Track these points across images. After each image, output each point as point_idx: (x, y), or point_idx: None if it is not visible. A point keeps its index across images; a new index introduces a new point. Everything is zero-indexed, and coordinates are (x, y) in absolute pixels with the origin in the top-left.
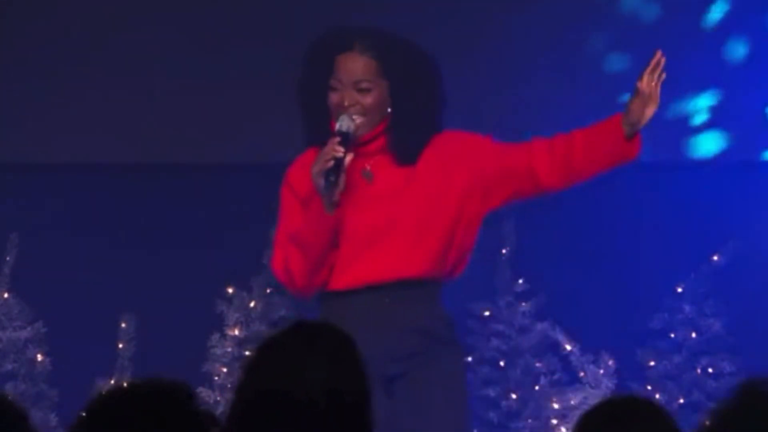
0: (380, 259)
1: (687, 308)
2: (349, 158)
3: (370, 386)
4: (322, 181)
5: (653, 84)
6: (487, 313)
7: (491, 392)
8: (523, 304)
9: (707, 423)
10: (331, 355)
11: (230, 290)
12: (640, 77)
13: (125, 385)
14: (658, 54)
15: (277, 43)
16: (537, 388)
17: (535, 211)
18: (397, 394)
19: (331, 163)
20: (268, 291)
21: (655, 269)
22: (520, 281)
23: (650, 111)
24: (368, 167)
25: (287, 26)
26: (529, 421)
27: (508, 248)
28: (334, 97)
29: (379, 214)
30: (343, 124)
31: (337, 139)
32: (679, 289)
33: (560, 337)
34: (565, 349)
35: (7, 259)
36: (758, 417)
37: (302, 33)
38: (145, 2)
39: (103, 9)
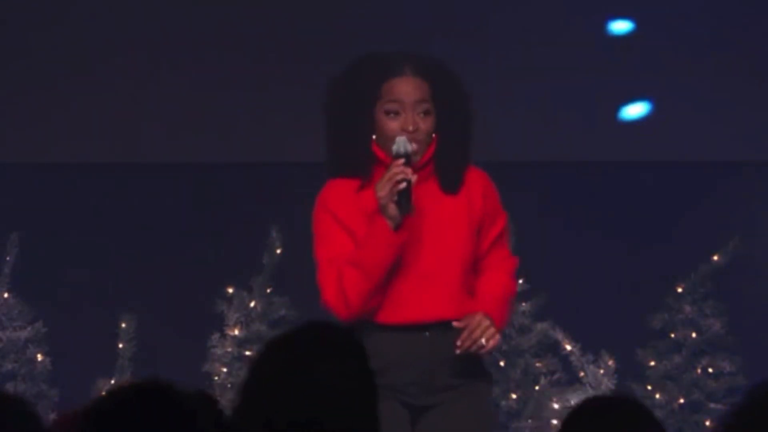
0: (429, 300)
1: (687, 308)
2: (415, 179)
3: (377, 390)
4: (392, 205)
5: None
6: None
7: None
8: (523, 304)
9: (719, 427)
10: (337, 356)
11: (230, 290)
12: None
13: (125, 384)
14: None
15: (277, 45)
16: (537, 388)
17: (535, 211)
18: (425, 423)
19: (404, 184)
20: (268, 291)
21: (655, 269)
22: (520, 281)
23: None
24: None
25: (289, 30)
26: (529, 421)
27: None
28: (393, 124)
29: (428, 252)
30: (400, 146)
31: (401, 160)
32: (679, 289)
33: (560, 337)
34: (565, 349)
35: (7, 259)
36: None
37: (305, 32)
38: (149, 3)
39: (103, 10)
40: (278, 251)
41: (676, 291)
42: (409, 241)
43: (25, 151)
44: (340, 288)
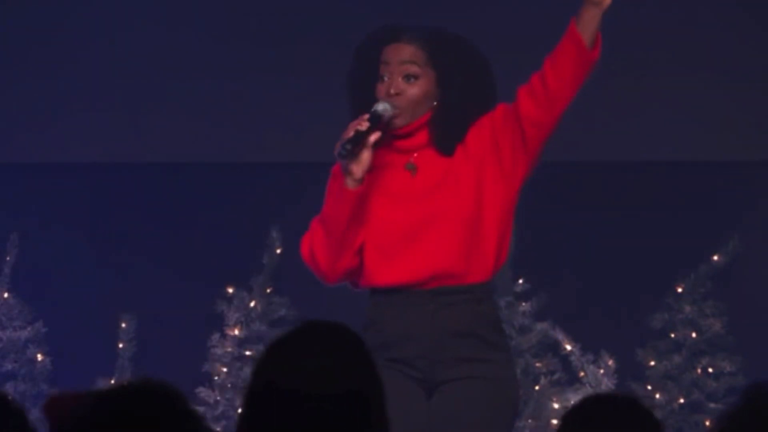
0: (421, 254)
1: (687, 308)
2: (374, 137)
3: (383, 389)
4: (338, 149)
5: None
6: None
7: None
8: (523, 304)
9: (714, 427)
10: (341, 357)
11: (230, 290)
12: None
13: (116, 386)
14: None
15: (276, 45)
16: (537, 388)
17: (535, 211)
18: (440, 399)
19: (351, 133)
20: (268, 291)
21: (655, 269)
22: (520, 281)
23: None
24: (412, 160)
25: (288, 29)
26: (529, 421)
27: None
28: (381, 88)
29: (421, 208)
30: (379, 105)
31: (367, 115)
32: (679, 289)
33: (560, 337)
34: (565, 349)
35: (7, 259)
36: (765, 421)
37: (308, 33)
38: (149, 4)
39: (104, 10)
40: (278, 251)
41: (676, 291)
42: (399, 203)
43: (25, 151)
44: (311, 245)
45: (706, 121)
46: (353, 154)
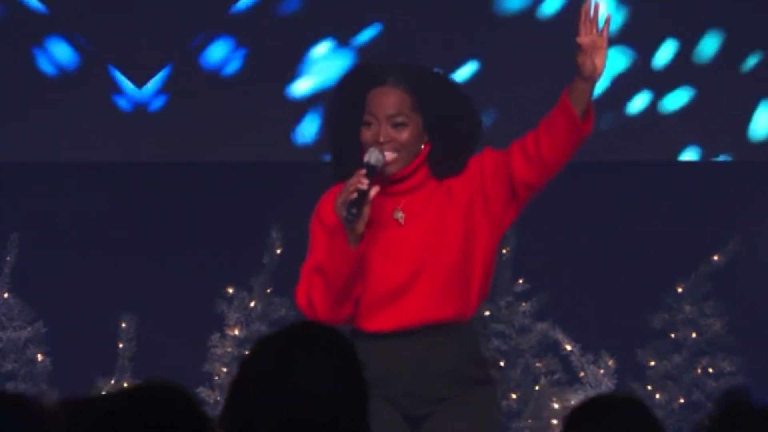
0: (411, 304)
1: (687, 308)
2: (374, 191)
3: (367, 392)
4: (344, 213)
5: (593, 33)
6: (487, 313)
7: None
8: (523, 304)
9: None
10: (327, 357)
11: (230, 290)
12: (577, 32)
13: (125, 387)
14: (588, 3)
15: (276, 44)
16: (537, 388)
17: (535, 211)
18: (427, 426)
19: (355, 195)
20: (268, 291)
21: (655, 269)
22: (520, 281)
23: (600, 60)
24: (399, 209)
25: (288, 28)
26: (529, 421)
27: (508, 248)
28: (367, 134)
29: (411, 260)
30: (372, 156)
31: (363, 171)
32: (679, 289)
33: (560, 337)
34: (565, 349)
35: (7, 259)
36: (738, 427)
37: (308, 34)
38: (151, 4)
39: (101, 9)
40: (278, 251)
41: (676, 291)
42: (389, 255)
43: (25, 151)
44: (308, 295)
45: (706, 121)
46: (361, 215)
